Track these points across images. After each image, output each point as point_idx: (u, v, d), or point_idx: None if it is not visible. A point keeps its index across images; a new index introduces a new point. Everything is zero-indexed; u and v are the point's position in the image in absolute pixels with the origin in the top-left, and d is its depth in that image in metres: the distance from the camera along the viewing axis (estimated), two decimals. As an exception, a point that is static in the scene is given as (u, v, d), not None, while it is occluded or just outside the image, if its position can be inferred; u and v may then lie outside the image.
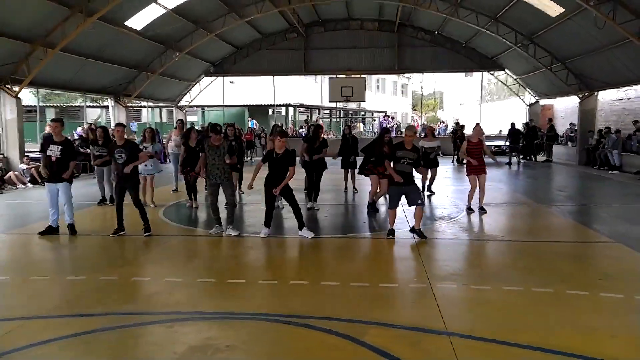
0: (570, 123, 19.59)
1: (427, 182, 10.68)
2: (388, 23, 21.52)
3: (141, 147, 9.21)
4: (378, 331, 3.88)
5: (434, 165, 10.55)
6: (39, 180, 13.25)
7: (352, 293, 4.78)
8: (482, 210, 8.51)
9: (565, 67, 17.36)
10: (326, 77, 23.93)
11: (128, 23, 14.89)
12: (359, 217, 8.76)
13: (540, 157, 20.10)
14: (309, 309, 4.34)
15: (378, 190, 8.64)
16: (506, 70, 22.21)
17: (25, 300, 4.72)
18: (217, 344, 3.66)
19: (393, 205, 6.80)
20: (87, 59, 15.28)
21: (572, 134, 19.34)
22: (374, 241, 6.93)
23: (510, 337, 3.72)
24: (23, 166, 13.25)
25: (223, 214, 7.41)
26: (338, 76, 22.09)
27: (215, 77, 23.55)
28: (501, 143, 19.78)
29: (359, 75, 22.03)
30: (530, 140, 19.59)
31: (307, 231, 6.93)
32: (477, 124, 9.19)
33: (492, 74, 23.91)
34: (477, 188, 8.51)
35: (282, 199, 8.03)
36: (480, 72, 23.74)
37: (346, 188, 10.95)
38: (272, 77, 23.26)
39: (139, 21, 15.14)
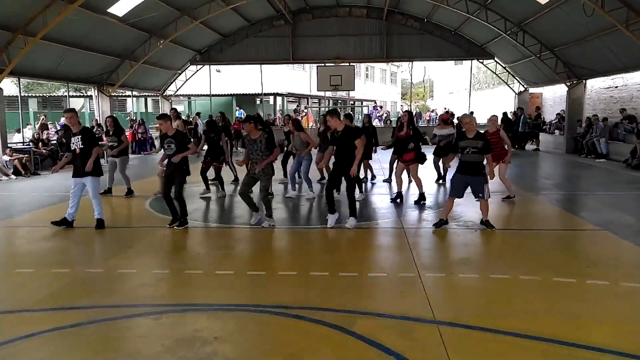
0: (561, 110, 19.67)
1: (442, 172, 10.59)
2: (377, 10, 21.33)
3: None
4: (366, 321, 3.88)
5: (446, 153, 10.42)
6: (22, 172, 13.04)
7: (340, 283, 4.77)
8: (507, 198, 8.58)
9: (553, 55, 17.41)
10: (314, 66, 23.72)
11: (110, 10, 14.55)
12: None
13: (530, 146, 20.23)
14: (297, 300, 4.32)
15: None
16: (495, 58, 22.21)
17: (8, 293, 4.64)
18: (205, 336, 3.63)
19: (452, 194, 6.65)
20: (70, 48, 14.93)
21: (557, 121, 19.48)
22: (363, 231, 6.92)
23: (497, 325, 3.75)
24: (6, 158, 12.97)
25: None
26: (326, 64, 21.92)
27: (201, 66, 23.21)
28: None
29: (347, 64, 21.87)
30: (517, 130, 19.71)
31: (353, 220, 6.82)
32: (493, 115, 9.08)
33: (482, 62, 23.90)
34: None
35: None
36: (470, 60, 23.71)
37: (365, 177, 10.82)
38: (259, 65, 23.02)
39: (121, 8, 14.79)
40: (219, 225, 7.19)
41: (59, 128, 16.45)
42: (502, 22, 17.56)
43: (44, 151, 14.68)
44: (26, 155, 13.65)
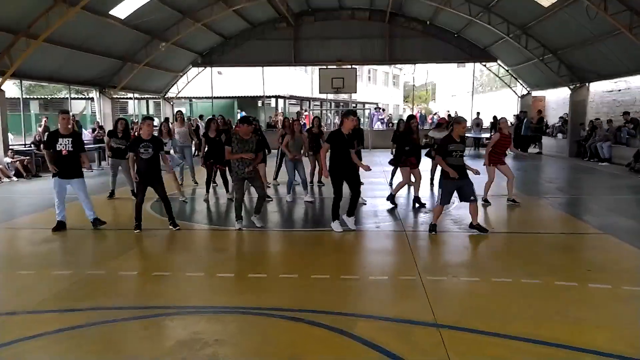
0: (564, 113, 19.61)
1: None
2: (379, 13, 21.38)
3: None
4: (367, 323, 3.87)
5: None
6: (24, 174, 13.07)
7: (342, 286, 4.77)
8: (514, 202, 8.53)
9: (556, 58, 17.40)
10: (316, 68, 23.76)
11: (112, 12, 14.61)
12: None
13: (532, 150, 20.19)
14: (298, 302, 4.32)
15: (413, 181, 8.52)
16: (498, 61, 22.23)
17: (11, 295, 4.65)
18: (206, 338, 3.63)
19: (445, 201, 6.55)
20: (72, 50, 15.00)
21: (560, 125, 19.43)
22: (364, 234, 6.91)
23: (498, 328, 3.74)
24: (7, 160, 13.03)
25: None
26: (329, 67, 21.95)
27: (203, 68, 23.28)
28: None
29: (349, 66, 21.91)
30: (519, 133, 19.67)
31: (351, 220, 6.77)
32: (503, 118, 9.00)
33: (484, 65, 23.91)
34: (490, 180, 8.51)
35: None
36: (472, 63, 23.72)
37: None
38: (261, 68, 23.06)
39: (123, 10, 14.85)
40: (221, 228, 7.19)
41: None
42: (505, 25, 17.57)
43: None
44: (27, 157, 13.70)
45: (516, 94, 23.25)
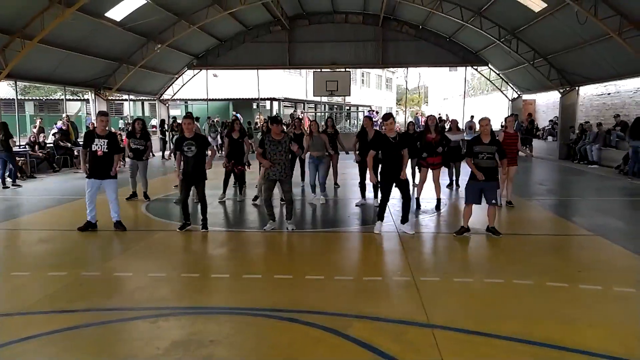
0: (554, 117, 19.83)
1: (454, 177, 10.68)
2: (373, 16, 21.50)
3: None
4: (361, 324, 3.91)
5: (459, 159, 10.37)
6: (19, 175, 12.97)
7: (336, 286, 4.80)
8: (509, 204, 8.59)
9: (547, 62, 17.59)
10: (311, 71, 23.83)
11: (108, 14, 14.60)
12: (344, 210, 8.79)
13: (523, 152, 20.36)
14: (293, 303, 4.35)
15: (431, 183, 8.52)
16: (489, 65, 22.41)
17: (5, 296, 4.64)
18: (201, 339, 3.64)
19: (470, 200, 6.55)
20: (67, 51, 14.95)
21: (551, 128, 19.63)
22: (358, 235, 6.96)
23: (491, 329, 3.79)
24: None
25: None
26: (323, 70, 22.03)
27: (198, 70, 23.26)
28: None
29: (343, 69, 21.99)
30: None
31: (408, 226, 6.77)
32: (512, 114, 8.92)
33: (476, 69, 24.10)
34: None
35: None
36: (464, 67, 23.91)
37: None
38: (256, 70, 23.09)
39: (119, 12, 14.84)
40: (216, 229, 7.20)
41: (55, 130, 16.45)
42: (496, 30, 17.74)
43: (40, 154, 14.65)
44: (22, 159, 13.61)
45: (507, 97, 23.45)
